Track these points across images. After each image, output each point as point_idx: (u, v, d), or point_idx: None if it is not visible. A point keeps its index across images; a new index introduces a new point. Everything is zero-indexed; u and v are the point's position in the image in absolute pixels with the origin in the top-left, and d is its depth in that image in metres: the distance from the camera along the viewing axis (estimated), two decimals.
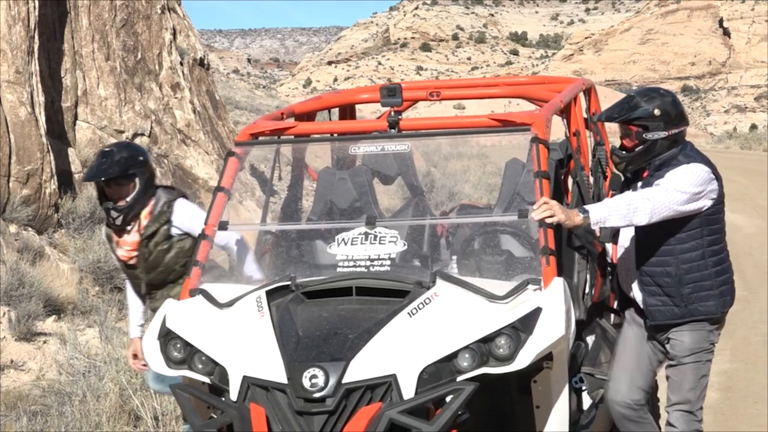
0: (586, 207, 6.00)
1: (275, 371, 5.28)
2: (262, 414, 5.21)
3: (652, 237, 6.22)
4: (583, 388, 6.42)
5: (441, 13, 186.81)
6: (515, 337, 5.34)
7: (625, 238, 6.44)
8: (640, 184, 6.25)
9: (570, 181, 7.13)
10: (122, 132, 17.75)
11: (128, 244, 7.24)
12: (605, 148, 7.61)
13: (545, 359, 5.54)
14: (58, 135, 16.24)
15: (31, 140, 14.30)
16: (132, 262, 7.28)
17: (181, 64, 20.06)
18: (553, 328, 5.44)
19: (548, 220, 5.75)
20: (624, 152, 6.29)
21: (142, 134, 18.17)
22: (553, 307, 5.50)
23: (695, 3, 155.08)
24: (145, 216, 7.21)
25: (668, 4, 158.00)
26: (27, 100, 14.43)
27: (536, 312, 5.45)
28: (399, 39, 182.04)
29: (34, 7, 15.06)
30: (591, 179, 7.27)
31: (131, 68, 18.37)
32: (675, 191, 6.06)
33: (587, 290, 6.72)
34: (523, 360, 5.32)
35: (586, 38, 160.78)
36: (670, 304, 6.24)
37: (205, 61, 21.96)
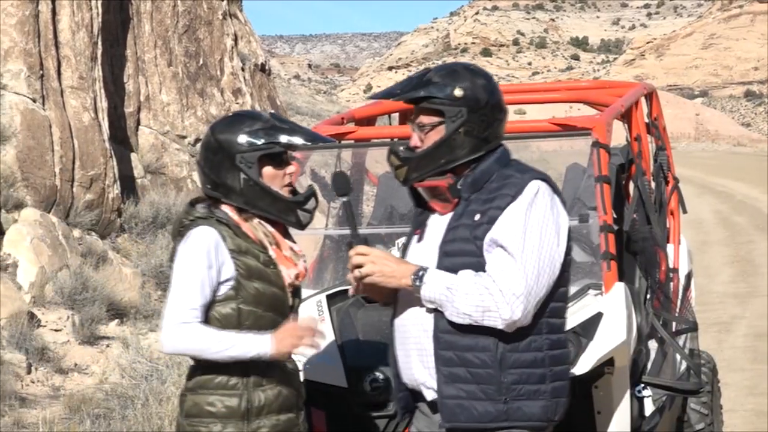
0: (428, 274, 4.00)
1: (336, 375, 5.28)
2: (323, 418, 5.22)
3: None
4: (646, 395, 6.33)
5: (501, 18, 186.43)
6: (576, 342, 5.30)
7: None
8: (450, 216, 4.09)
9: (631, 186, 7.08)
10: (184, 137, 17.89)
11: (300, 255, 4.66)
12: (667, 152, 7.55)
13: (606, 364, 5.49)
14: (121, 140, 16.39)
15: (95, 145, 14.44)
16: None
17: (243, 69, 20.18)
18: (615, 333, 5.40)
19: (364, 273, 4.11)
20: (407, 150, 4.14)
21: None
22: (614, 313, 5.46)
23: (758, 7, 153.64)
24: None
25: (731, 9, 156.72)
26: (90, 106, 14.58)
27: (597, 317, 5.40)
28: (459, 44, 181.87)
29: (98, 14, 15.21)
30: (653, 184, 7.22)
31: (193, 74, 18.51)
32: (542, 250, 3.99)
33: (648, 295, 6.65)
34: (583, 365, 5.29)
35: (647, 43, 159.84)
36: (480, 398, 3.99)
37: (267, 67, 22.06)
